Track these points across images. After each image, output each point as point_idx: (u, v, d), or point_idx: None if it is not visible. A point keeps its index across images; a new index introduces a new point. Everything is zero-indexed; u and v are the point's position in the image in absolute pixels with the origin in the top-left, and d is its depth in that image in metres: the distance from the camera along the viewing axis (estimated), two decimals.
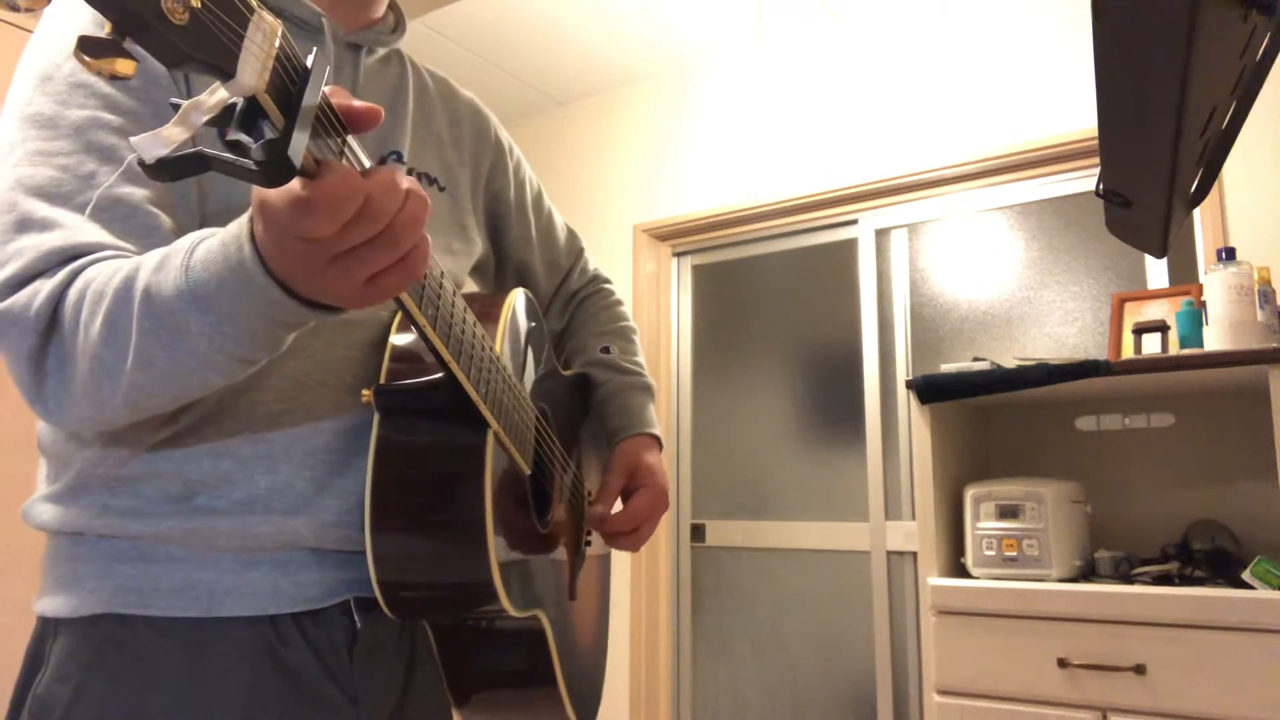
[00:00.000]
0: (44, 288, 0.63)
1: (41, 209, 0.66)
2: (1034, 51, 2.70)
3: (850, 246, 3.05)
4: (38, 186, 0.66)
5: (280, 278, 0.55)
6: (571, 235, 1.18)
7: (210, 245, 0.57)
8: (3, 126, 0.71)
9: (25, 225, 0.65)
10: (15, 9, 0.40)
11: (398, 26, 0.93)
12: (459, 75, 3.38)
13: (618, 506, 1.01)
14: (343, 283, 0.53)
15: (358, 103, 0.49)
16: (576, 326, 1.16)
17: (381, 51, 0.91)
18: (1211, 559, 2.00)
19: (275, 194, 0.48)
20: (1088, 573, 2.04)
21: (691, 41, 3.21)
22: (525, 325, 0.90)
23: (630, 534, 1.00)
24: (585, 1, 2.96)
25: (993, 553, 2.00)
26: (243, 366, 0.61)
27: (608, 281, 1.21)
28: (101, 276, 0.62)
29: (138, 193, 0.69)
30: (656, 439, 1.08)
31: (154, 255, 0.61)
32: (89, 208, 0.67)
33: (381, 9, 0.90)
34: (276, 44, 0.41)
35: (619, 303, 1.20)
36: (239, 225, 0.56)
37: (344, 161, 0.48)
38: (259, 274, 0.54)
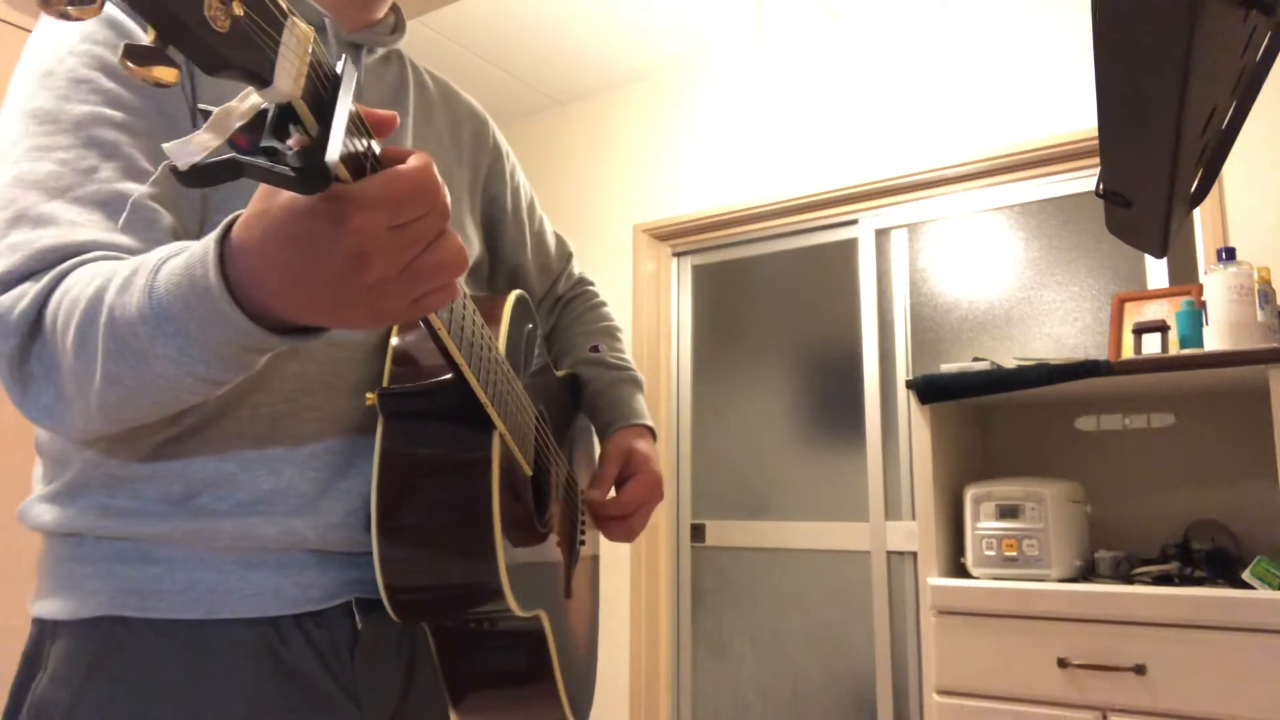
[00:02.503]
0: (30, 291, 0.62)
1: (39, 204, 0.65)
2: (1034, 51, 2.70)
3: (850, 246, 3.05)
4: (36, 181, 0.66)
5: (276, 297, 0.52)
6: (560, 240, 1.20)
7: (175, 265, 0.55)
8: (4, 123, 0.70)
9: (19, 221, 0.64)
10: (66, 17, 0.39)
11: (397, 27, 0.93)
12: (459, 75, 3.37)
13: (611, 494, 1.02)
14: (402, 294, 0.51)
15: (379, 110, 0.49)
16: (564, 327, 1.18)
17: (381, 51, 0.91)
18: (1211, 559, 2.00)
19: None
20: (1088, 573, 2.04)
21: (691, 41, 3.21)
22: (524, 327, 0.90)
23: (624, 521, 0.99)
24: (585, 1, 2.96)
25: (993, 553, 2.00)
26: (214, 387, 0.60)
27: (591, 284, 1.23)
28: (80, 283, 0.60)
29: (138, 188, 0.68)
30: (649, 429, 1.08)
31: (125, 267, 0.59)
32: (87, 202, 0.66)
33: (383, 10, 0.90)
34: (310, 50, 0.41)
35: (603, 303, 1.22)
36: (205, 246, 0.54)
37: (369, 166, 0.48)
38: (224, 300, 0.53)
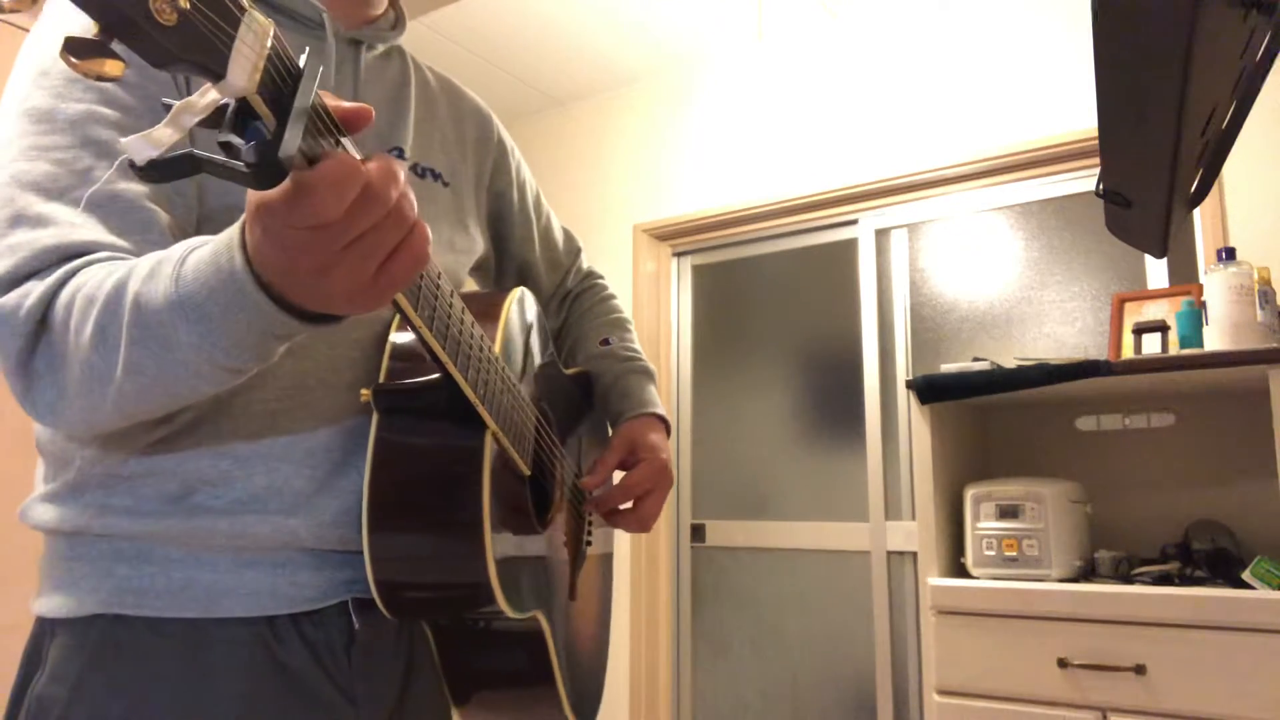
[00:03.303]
0: (36, 289, 0.62)
1: (37, 204, 0.65)
2: (1034, 51, 2.70)
3: (850, 246, 3.05)
4: (33, 181, 0.66)
5: (279, 284, 0.53)
6: (569, 236, 1.19)
7: (202, 254, 0.56)
8: (1, 123, 0.70)
9: (19, 221, 0.65)
10: (1, 10, 0.39)
11: (397, 23, 0.93)
12: (459, 75, 3.37)
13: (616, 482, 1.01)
14: (355, 275, 0.52)
15: (346, 103, 0.48)
16: (574, 321, 1.17)
17: (381, 48, 0.91)
18: (1211, 559, 2.00)
19: (274, 191, 0.47)
20: (1088, 573, 2.04)
21: (691, 41, 3.21)
22: (526, 324, 0.90)
23: (633, 512, 0.98)
24: (585, 1, 2.96)
25: (993, 553, 2.00)
26: (232, 376, 0.61)
27: (600, 277, 1.23)
28: (93, 281, 0.61)
29: (135, 188, 0.68)
30: (660, 419, 1.07)
31: (146, 261, 0.60)
32: (85, 203, 0.66)
33: (382, 6, 0.90)
34: (268, 44, 0.41)
35: (612, 295, 1.21)
36: (230, 235, 0.55)
37: None
38: (249, 284, 0.53)
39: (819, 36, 3.11)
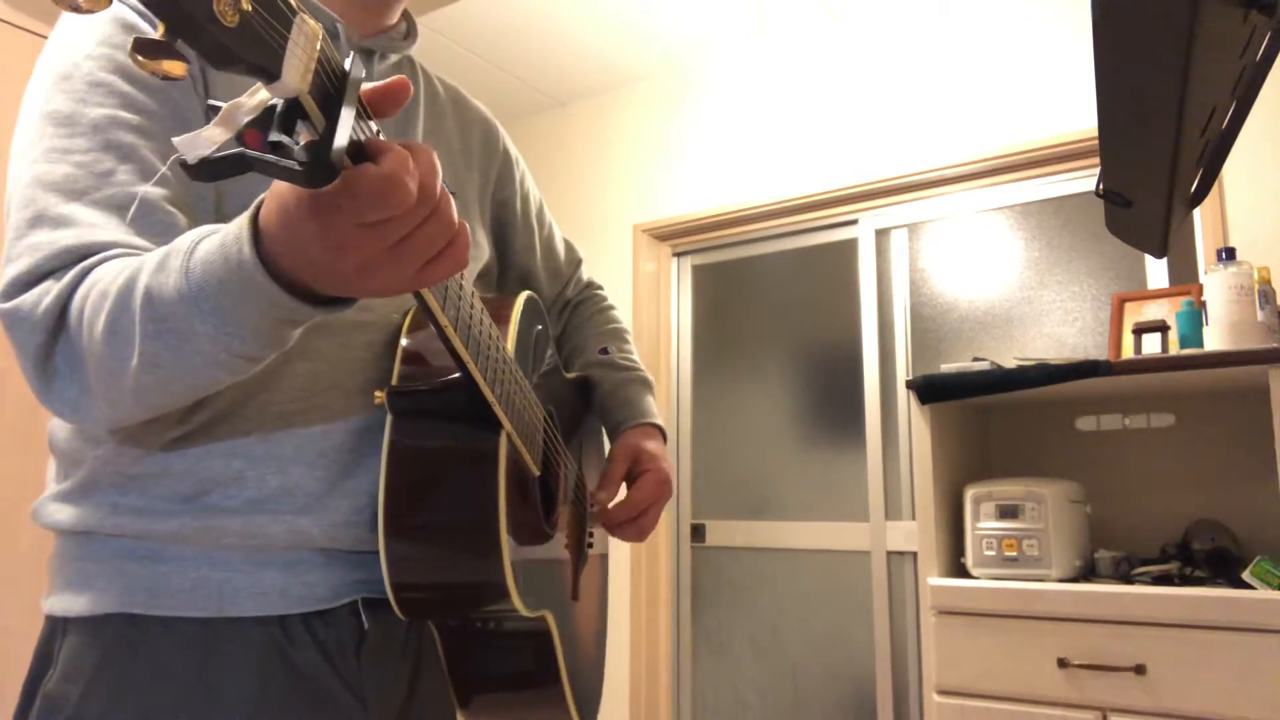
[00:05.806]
0: (54, 288, 0.63)
1: (57, 205, 0.66)
2: (1034, 51, 2.70)
3: (850, 246, 3.05)
4: (55, 183, 0.67)
5: (295, 274, 0.54)
6: (570, 247, 1.21)
7: (210, 245, 0.57)
8: (22, 125, 0.71)
9: (39, 221, 0.65)
10: (77, 10, 0.40)
11: (409, 33, 0.94)
12: (459, 75, 3.37)
13: (621, 494, 1.02)
14: (397, 275, 0.53)
15: (379, 83, 0.49)
16: (573, 330, 1.18)
17: (394, 58, 0.92)
18: (1211, 559, 2.00)
19: (336, 187, 0.47)
20: (1088, 573, 2.05)
21: (691, 41, 3.21)
22: (533, 328, 0.90)
23: (634, 522, 1.00)
24: (585, 1, 2.96)
25: (993, 553, 2.00)
26: (250, 364, 0.61)
27: (600, 288, 1.24)
28: (107, 277, 0.62)
29: (155, 191, 0.69)
30: (659, 429, 1.09)
31: (155, 255, 0.60)
32: (106, 204, 0.67)
33: (395, 16, 0.91)
34: (318, 46, 0.42)
35: (611, 306, 1.23)
36: (239, 225, 0.55)
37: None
38: (260, 274, 0.54)
39: (819, 36, 3.11)
